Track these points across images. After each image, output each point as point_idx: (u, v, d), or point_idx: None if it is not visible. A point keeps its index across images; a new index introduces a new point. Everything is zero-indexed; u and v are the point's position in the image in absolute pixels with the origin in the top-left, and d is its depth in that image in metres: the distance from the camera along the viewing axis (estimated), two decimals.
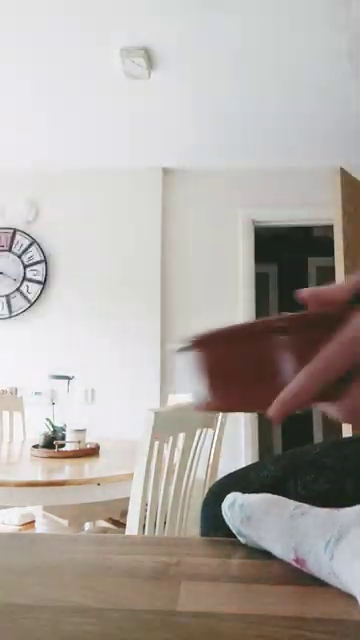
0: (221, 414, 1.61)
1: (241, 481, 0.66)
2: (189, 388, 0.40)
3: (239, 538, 0.50)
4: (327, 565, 0.38)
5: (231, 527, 0.51)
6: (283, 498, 0.49)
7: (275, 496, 0.50)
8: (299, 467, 0.65)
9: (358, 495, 0.62)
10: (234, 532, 0.51)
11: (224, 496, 0.63)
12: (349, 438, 0.72)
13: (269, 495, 0.50)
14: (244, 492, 0.56)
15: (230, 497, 0.52)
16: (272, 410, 0.33)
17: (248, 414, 3.13)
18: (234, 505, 0.50)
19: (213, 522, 0.62)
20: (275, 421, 0.33)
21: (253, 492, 0.56)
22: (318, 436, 4.63)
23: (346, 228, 2.69)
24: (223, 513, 0.52)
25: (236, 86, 2.48)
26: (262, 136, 2.97)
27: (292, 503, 0.47)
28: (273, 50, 2.21)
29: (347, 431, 2.66)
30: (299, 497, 0.59)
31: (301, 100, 2.59)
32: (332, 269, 2.72)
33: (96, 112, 2.73)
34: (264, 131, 2.91)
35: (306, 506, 0.46)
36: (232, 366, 0.35)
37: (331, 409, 0.36)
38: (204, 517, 0.65)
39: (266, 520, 0.46)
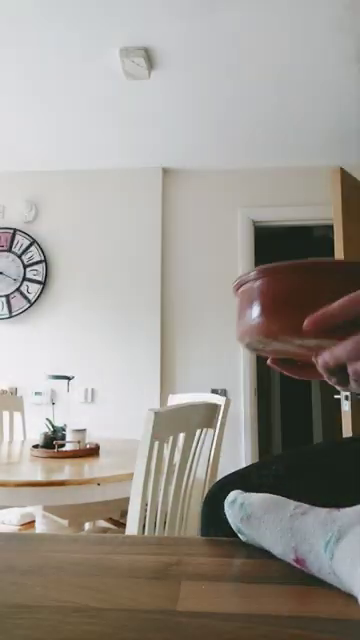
0: (221, 414, 1.62)
1: (242, 480, 0.66)
2: (240, 315, 0.44)
3: (239, 536, 0.50)
4: (327, 565, 0.38)
5: (232, 524, 0.51)
6: (283, 498, 0.49)
7: (275, 496, 0.50)
8: (300, 467, 0.65)
9: (359, 495, 0.62)
10: (234, 529, 0.51)
11: (224, 496, 0.64)
12: (349, 438, 0.72)
13: (270, 495, 0.50)
14: (245, 491, 0.56)
15: (232, 495, 0.52)
16: (309, 319, 0.37)
17: (248, 414, 3.13)
18: (235, 503, 0.50)
19: (213, 521, 0.62)
20: (308, 331, 0.37)
21: (254, 491, 0.56)
22: (318, 436, 4.63)
23: (346, 228, 2.69)
24: (225, 510, 0.52)
25: (236, 86, 2.48)
26: (262, 136, 2.97)
27: (292, 503, 0.47)
28: (273, 50, 2.21)
29: (347, 431, 2.66)
30: (300, 496, 0.59)
31: (301, 100, 2.59)
32: None
33: (96, 112, 2.73)
34: (264, 131, 2.91)
35: (306, 506, 0.46)
36: (289, 295, 0.40)
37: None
38: (204, 516, 0.65)
39: (266, 519, 0.46)
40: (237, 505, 0.49)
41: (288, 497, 0.50)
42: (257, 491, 0.54)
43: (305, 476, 0.64)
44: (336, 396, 2.95)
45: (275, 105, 2.64)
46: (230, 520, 0.50)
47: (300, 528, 0.42)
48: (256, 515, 0.47)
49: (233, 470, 0.70)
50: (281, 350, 0.46)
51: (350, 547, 0.37)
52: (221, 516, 0.53)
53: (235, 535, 0.52)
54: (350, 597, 0.37)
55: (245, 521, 0.48)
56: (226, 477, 0.68)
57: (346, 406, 2.67)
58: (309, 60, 2.27)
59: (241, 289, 0.45)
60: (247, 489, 0.61)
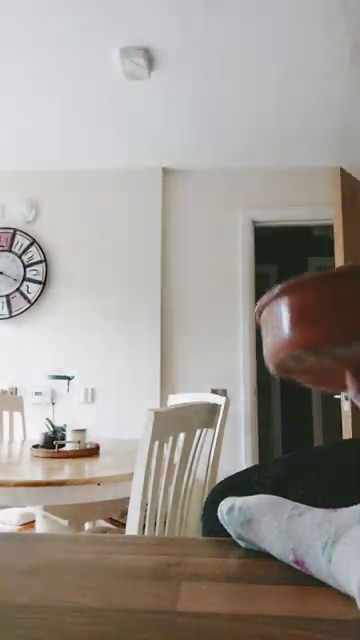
0: (221, 414, 1.62)
1: (242, 484, 0.66)
2: (271, 333, 0.44)
3: (239, 542, 0.50)
4: (325, 567, 0.38)
5: (231, 532, 0.51)
6: (281, 498, 0.49)
7: (273, 496, 0.49)
8: (300, 469, 0.65)
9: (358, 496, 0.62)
10: (234, 537, 0.51)
11: (226, 496, 0.63)
12: (350, 440, 0.72)
13: (267, 495, 0.50)
14: (246, 495, 0.56)
15: (227, 502, 0.52)
16: None
17: (248, 414, 3.13)
18: (233, 510, 0.50)
19: (214, 527, 0.62)
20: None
21: (254, 494, 0.56)
22: (318, 436, 4.63)
23: (346, 228, 2.69)
24: (220, 519, 0.51)
25: (236, 86, 2.48)
26: (262, 136, 2.97)
27: (290, 503, 0.47)
28: (273, 50, 2.21)
29: (347, 431, 2.66)
30: (300, 498, 0.59)
31: (301, 100, 2.59)
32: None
33: (96, 112, 2.73)
34: (264, 131, 2.91)
35: (303, 506, 0.46)
36: (317, 306, 0.40)
37: None
38: (205, 522, 0.65)
39: (265, 521, 0.46)
40: (235, 510, 0.49)
41: (289, 499, 0.50)
42: (257, 493, 0.54)
43: (306, 477, 0.64)
44: (336, 396, 2.95)
45: (275, 105, 2.64)
46: (230, 528, 0.50)
47: (298, 530, 0.42)
48: (255, 518, 0.47)
49: (233, 470, 0.70)
50: (314, 368, 0.46)
51: (347, 550, 0.37)
52: (221, 522, 0.53)
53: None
54: (350, 597, 0.37)
55: (245, 525, 0.48)
56: (224, 482, 0.68)
57: (346, 406, 2.67)
58: (309, 60, 2.27)
59: (266, 309, 0.44)
60: (248, 492, 0.61)
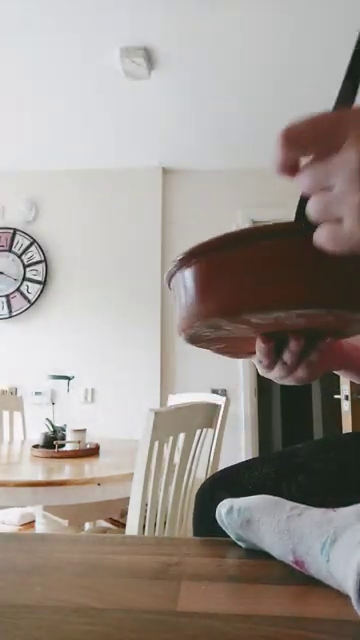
0: (221, 414, 1.62)
1: (233, 480, 0.66)
2: (180, 305, 0.44)
3: (239, 543, 0.50)
4: (324, 567, 0.39)
5: (230, 534, 0.51)
6: (280, 499, 0.49)
7: (272, 497, 0.50)
8: (289, 469, 0.66)
9: (349, 494, 0.63)
10: (234, 538, 0.51)
11: (216, 492, 0.64)
12: (335, 438, 0.73)
13: (266, 496, 0.50)
14: (237, 493, 0.56)
15: (226, 503, 0.52)
16: (281, 133, 0.33)
17: (248, 414, 3.13)
18: (232, 511, 0.50)
19: (205, 515, 0.63)
20: (282, 144, 0.33)
21: (246, 493, 0.56)
22: (318, 436, 4.62)
23: None
24: (219, 521, 0.52)
25: (236, 86, 2.48)
26: (262, 136, 2.97)
27: (288, 504, 0.47)
28: (273, 50, 2.21)
29: (347, 431, 2.66)
30: (293, 498, 0.59)
31: (301, 100, 2.59)
32: None
33: (96, 112, 2.73)
34: (264, 131, 2.91)
35: (302, 507, 0.46)
36: (205, 276, 0.39)
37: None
38: (196, 510, 0.66)
39: (264, 522, 0.46)
40: (235, 511, 0.49)
41: (282, 498, 0.50)
42: (250, 493, 0.55)
43: (296, 478, 0.64)
44: (336, 396, 2.95)
45: (275, 104, 2.64)
46: (230, 530, 0.50)
47: (297, 530, 0.42)
48: (254, 518, 0.47)
49: None
50: (226, 336, 0.46)
51: (344, 549, 0.37)
52: (213, 511, 0.53)
53: (227, 535, 0.52)
54: (349, 597, 0.37)
55: (245, 526, 0.48)
56: (217, 475, 0.69)
57: (346, 406, 2.67)
58: (308, 59, 2.27)
59: (173, 279, 0.45)
60: (239, 490, 0.61)
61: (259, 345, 0.48)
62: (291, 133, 0.33)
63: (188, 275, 0.42)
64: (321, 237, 0.32)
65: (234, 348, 0.53)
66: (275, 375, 0.52)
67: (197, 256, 0.41)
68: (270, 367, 0.51)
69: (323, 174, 0.32)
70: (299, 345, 0.48)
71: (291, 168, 0.34)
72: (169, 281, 0.46)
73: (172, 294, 0.47)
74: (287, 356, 0.49)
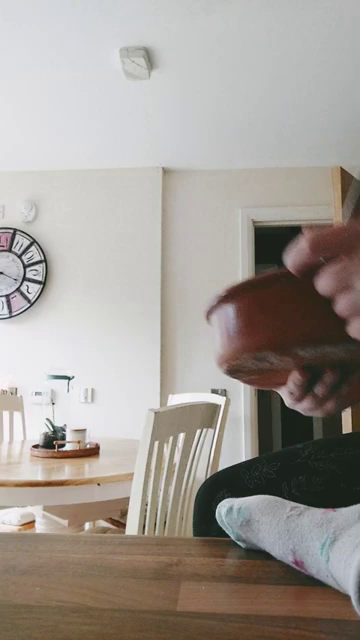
0: (221, 414, 1.62)
1: (234, 480, 0.66)
2: (215, 342, 0.45)
3: (239, 543, 0.50)
4: (324, 567, 0.39)
5: (230, 534, 0.51)
6: (280, 499, 0.49)
7: (272, 497, 0.50)
8: (290, 469, 0.66)
9: (349, 494, 0.63)
10: (233, 538, 0.51)
11: (216, 491, 0.64)
12: (335, 438, 0.73)
13: (266, 496, 0.50)
14: (237, 493, 0.56)
15: (226, 503, 0.52)
16: (307, 238, 0.37)
17: (248, 414, 3.13)
18: (232, 511, 0.50)
19: (205, 515, 0.63)
20: (292, 264, 0.38)
21: (247, 492, 0.56)
22: (318, 436, 4.62)
23: None
24: (219, 521, 0.52)
25: (236, 86, 2.48)
26: (262, 136, 2.97)
27: (288, 503, 0.47)
28: (273, 50, 2.21)
29: (347, 431, 2.66)
30: (292, 498, 0.59)
31: (301, 100, 2.59)
32: None
33: (96, 112, 2.73)
34: (264, 131, 2.91)
35: (302, 507, 0.46)
36: (255, 311, 0.41)
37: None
38: (197, 510, 0.66)
39: (264, 522, 0.46)
40: (235, 511, 0.49)
41: (282, 498, 0.50)
42: (251, 492, 0.55)
43: (296, 478, 0.65)
44: None
45: (275, 105, 2.64)
46: (230, 530, 0.50)
47: (297, 530, 0.42)
48: (254, 518, 0.47)
49: None
50: (267, 368, 0.47)
51: (344, 548, 0.37)
52: (213, 510, 0.53)
53: (227, 535, 0.52)
54: (349, 597, 0.37)
55: (245, 526, 0.48)
56: (218, 474, 0.69)
57: None
58: (308, 60, 2.27)
59: (214, 313, 0.45)
60: (240, 490, 0.61)
61: (295, 377, 0.48)
62: (317, 240, 0.37)
63: (235, 309, 0.42)
64: (356, 332, 0.37)
65: (266, 379, 0.53)
66: (303, 407, 0.51)
67: (247, 290, 0.42)
68: (300, 399, 0.51)
69: (346, 275, 0.36)
70: (334, 378, 0.48)
71: (309, 271, 0.38)
72: (209, 314, 0.46)
73: (210, 326, 0.49)
74: (319, 388, 0.49)
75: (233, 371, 0.48)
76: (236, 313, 0.42)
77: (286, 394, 0.51)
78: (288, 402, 0.52)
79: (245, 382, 0.54)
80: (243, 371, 0.48)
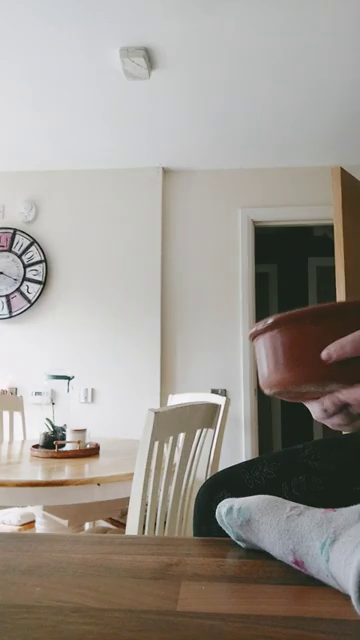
0: (221, 414, 1.62)
1: (234, 480, 0.66)
2: (261, 365, 0.46)
3: (239, 543, 0.50)
4: (324, 567, 0.39)
5: (230, 534, 0.51)
6: (280, 499, 0.49)
7: (272, 497, 0.50)
8: (290, 469, 0.66)
9: (349, 494, 0.63)
10: (233, 538, 0.51)
11: (216, 492, 0.64)
12: (335, 438, 0.73)
13: (266, 496, 0.50)
14: (237, 493, 0.56)
15: (226, 503, 0.52)
16: (326, 350, 0.39)
17: (248, 414, 3.13)
18: (232, 511, 0.50)
19: (205, 515, 0.63)
20: (329, 358, 0.40)
21: (247, 492, 0.56)
22: (318, 436, 4.62)
23: (346, 228, 2.69)
24: (219, 521, 0.52)
25: (236, 86, 2.48)
26: (262, 136, 2.97)
27: (289, 504, 0.47)
28: (273, 50, 2.21)
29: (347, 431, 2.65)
30: (292, 498, 0.59)
31: (301, 100, 2.59)
32: (332, 269, 2.72)
33: (96, 112, 2.73)
34: (264, 131, 2.91)
35: (302, 507, 0.46)
36: (302, 343, 0.41)
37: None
38: (197, 510, 0.66)
39: (264, 522, 0.46)
40: (235, 511, 0.49)
41: (282, 498, 0.50)
42: (251, 492, 0.55)
43: (296, 479, 0.65)
44: None
45: (275, 105, 2.64)
46: (229, 530, 0.50)
47: (297, 530, 0.42)
48: (254, 518, 0.47)
49: None
50: (304, 393, 0.48)
51: (344, 548, 0.37)
52: (213, 510, 0.53)
53: (227, 535, 0.52)
54: (349, 597, 0.37)
55: (245, 526, 0.48)
56: (218, 475, 0.69)
57: None
58: (308, 60, 2.27)
59: (262, 337, 0.45)
60: (241, 490, 0.61)
61: (336, 398, 0.48)
62: (339, 349, 0.40)
63: (288, 338, 0.42)
64: None
65: (306, 395, 0.53)
66: (334, 422, 0.51)
67: (298, 321, 0.42)
68: (332, 415, 0.51)
69: None
70: None
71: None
72: (254, 337, 0.46)
73: (253, 346, 0.49)
74: (356, 407, 0.49)
75: (281, 394, 0.48)
76: (286, 343, 0.42)
77: (318, 410, 0.51)
78: (318, 417, 0.51)
79: (286, 399, 0.54)
80: (285, 395, 0.48)
